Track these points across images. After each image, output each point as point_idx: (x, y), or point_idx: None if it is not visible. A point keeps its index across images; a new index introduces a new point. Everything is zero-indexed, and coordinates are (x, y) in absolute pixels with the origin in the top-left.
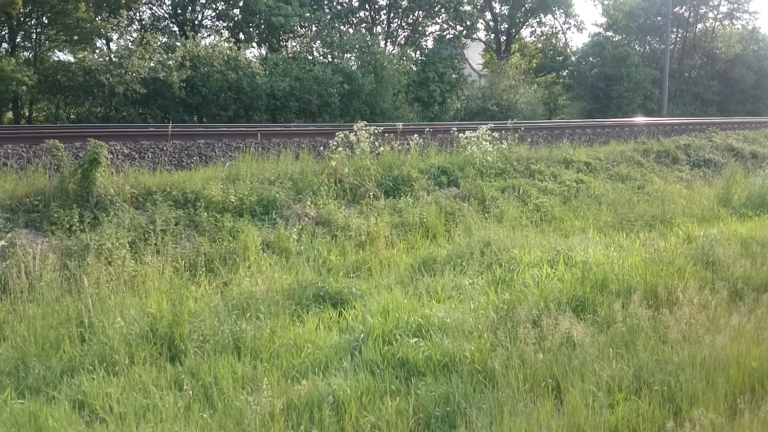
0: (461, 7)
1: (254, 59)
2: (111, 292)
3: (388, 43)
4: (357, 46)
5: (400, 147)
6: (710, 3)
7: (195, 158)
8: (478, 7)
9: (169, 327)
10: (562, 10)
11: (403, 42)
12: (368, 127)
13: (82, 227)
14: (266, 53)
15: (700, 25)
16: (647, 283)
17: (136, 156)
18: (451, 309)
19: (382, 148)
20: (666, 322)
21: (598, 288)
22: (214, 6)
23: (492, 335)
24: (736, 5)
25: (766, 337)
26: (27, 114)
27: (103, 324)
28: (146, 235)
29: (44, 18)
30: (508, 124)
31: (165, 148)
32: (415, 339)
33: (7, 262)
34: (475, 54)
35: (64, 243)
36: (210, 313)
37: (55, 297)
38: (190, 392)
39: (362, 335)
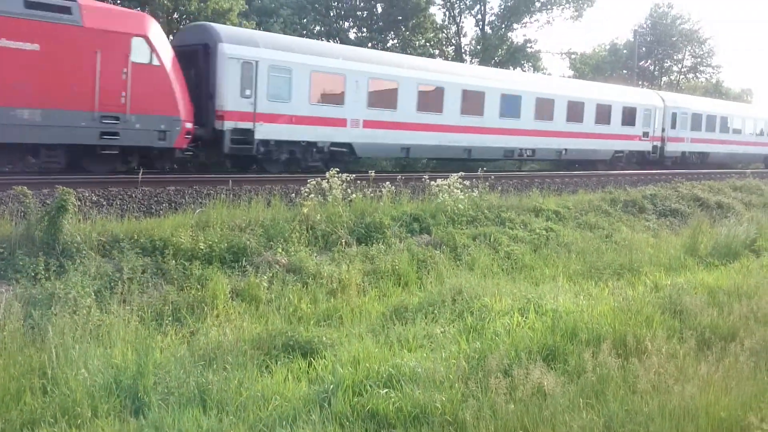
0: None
1: None
2: (75, 342)
3: None
4: None
5: (372, 194)
6: (675, 57)
7: (164, 205)
8: (450, 59)
9: (133, 379)
10: (530, 64)
11: None
12: (341, 174)
13: (47, 275)
14: None
15: (665, 78)
16: (616, 331)
17: (104, 203)
18: (423, 358)
19: (354, 195)
20: (635, 371)
21: (568, 337)
22: None
23: (463, 385)
24: (699, 59)
25: (735, 387)
26: None
27: (67, 375)
28: (112, 284)
29: None
30: (479, 173)
31: (134, 195)
32: (386, 389)
33: None
34: None
35: (29, 291)
36: (176, 364)
37: (18, 347)
38: None
39: (332, 386)
